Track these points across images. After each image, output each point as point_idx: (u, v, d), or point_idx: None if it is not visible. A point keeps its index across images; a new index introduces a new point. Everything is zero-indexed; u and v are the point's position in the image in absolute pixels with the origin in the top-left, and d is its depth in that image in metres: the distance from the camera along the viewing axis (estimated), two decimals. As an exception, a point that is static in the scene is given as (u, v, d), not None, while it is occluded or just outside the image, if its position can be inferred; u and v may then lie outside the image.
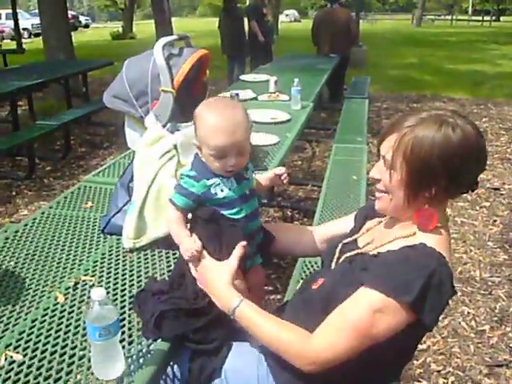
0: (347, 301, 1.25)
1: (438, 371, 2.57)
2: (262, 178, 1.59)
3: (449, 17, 31.72)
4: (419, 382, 2.50)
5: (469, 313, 3.01)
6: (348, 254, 1.42)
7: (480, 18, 28.64)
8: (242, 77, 5.25)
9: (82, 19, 38.20)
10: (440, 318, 2.86)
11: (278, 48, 9.44)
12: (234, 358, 1.44)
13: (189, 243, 1.39)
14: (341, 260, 1.44)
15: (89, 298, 1.54)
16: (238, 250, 1.39)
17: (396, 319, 1.19)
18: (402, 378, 2.51)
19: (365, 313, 1.20)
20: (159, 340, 1.36)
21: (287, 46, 13.09)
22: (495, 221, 4.24)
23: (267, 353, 1.40)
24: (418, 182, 1.26)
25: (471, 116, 7.65)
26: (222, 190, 1.40)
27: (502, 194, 4.77)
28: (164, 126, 2.00)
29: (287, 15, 43.27)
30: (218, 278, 1.37)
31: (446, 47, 16.77)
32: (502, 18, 31.13)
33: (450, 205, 4.50)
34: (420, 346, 2.72)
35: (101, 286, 1.61)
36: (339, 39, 7.56)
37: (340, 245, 1.50)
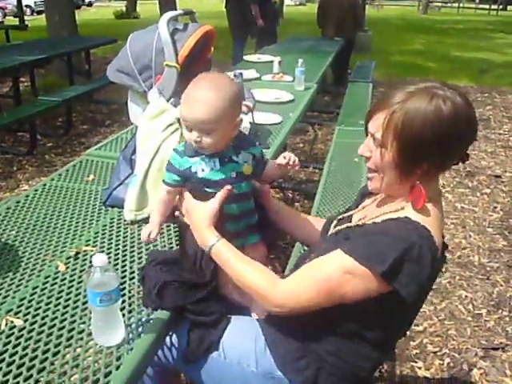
0: (321, 257, 1.27)
1: (434, 352, 2.59)
2: (271, 168, 1.54)
3: (455, 4, 31.39)
4: (415, 362, 2.52)
5: (466, 296, 3.03)
6: (338, 228, 1.43)
7: (487, 7, 28.34)
8: (246, 57, 5.22)
9: (86, -3, 37.82)
10: (437, 301, 2.93)
11: (282, 31, 9.36)
12: (232, 331, 1.45)
13: (149, 228, 1.48)
14: (332, 233, 1.45)
15: (90, 267, 1.54)
16: (221, 193, 1.38)
17: (365, 285, 1.19)
18: (398, 358, 2.54)
19: (335, 271, 1.21)
20: (159, 310, 1.37)
21: (292, 29, 12.98)
22: (495, 207, 4.24)
23: (265, 328, 1.42)
24: (411, 160, 1.24)
25: (475, 104, 7.61)
26: (202, 170, 1.38)
27: (503, 182, 4.77)
28: (167, 101, 1.99)
29: (292, -2, 42.82)
30: (200, 218, 1.39)
31: (453, 35, 16.62)
32: (509, 7, 30.82)
33: (452, 190, 4.51)
34: (416, 328, 2.74)
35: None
36: (345, 23, 7.50)
37: (335, 221, 1.51)
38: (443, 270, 3.30)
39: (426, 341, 2.66)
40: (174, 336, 1.48)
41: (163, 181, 1.44)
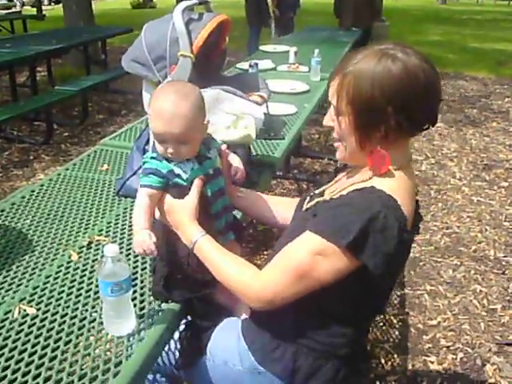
0: (291, 243, 1.25)
1: (447, 347, 2.57)
2: (227, 163, 1.52)
3: (475, -6, 30.93)
4: (428, 356, 2.51)
5: (481, 291, 3.00)
6: (309, 204, 1.41)
7: (508, -3, 27.92)
8: (262, 47, 5.20)
9: (103, -13, 37.91)
10: (451, 295, 2.90)
11: (299, 21, 9.28)
12: (217, 334, 1.46)
13: (143, 236, 1.26)
14: (303, 210, 1.43)
15: (102, 257, 1.55)
16: (196, 184, 1.35)
17: (336, 263, 1.18)
18: (411, 352, 2.52)
19: (305, 255, 1.20)
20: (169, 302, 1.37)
21: (309, 19, 12.89)
22: (513, 201, 4.19)
23: (243, 325, 1.44)
24: (366, 123, 1.21)
25: (493, 95, 7.52)
26: (184, 172, 1.36)
27: (521, 175, 4.71)
28: (181, 91, 1.98)
29: (310, -12, 42.56)
30: (181, 215, 1.34)
31: (471, 25, 16.37)
32: (530, -2, 30.32)
33: (468, 183, 4.46)
34: (430, 322, 2.73)
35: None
36: (362, 12, 7.41)
37: (308, 197, 1.47)
38: (458, 262, 3.28)
39: (440, 335, 2.65)
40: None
41: (144, 185, 1.35)
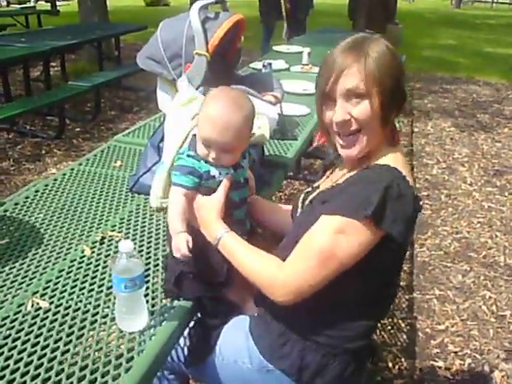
0: (309, 231, 1.26)
1: (455, 352, 2.56)
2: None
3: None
4: (435, 361, 2.50)
5: (490, 297, 2.99)
6: (310, 197, 1.43)
7: (522, 2, 27.74)
8: (276, 47, 5.19)
9: (117, -16, 38.03)
10: (460, 301, 2.89)
11: (312, 22, 9.27)
12: (226, 332, 1.47)
13: (182, 241, 1.26)
14: (305, 206, 1.45)
15: (115, 252, 1.56)
16: (224, 184, 1.38)
17: (360, 237, 1.19)
18: (418, 357, 2.52)
19: (327, 237, 1.21)
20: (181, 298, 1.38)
21: (322, 20, 12.86)
22: (524, 208, 4.17)
23: (251, 323, 1.44)
24: (391, 101, 1.28)
25: (506, 101, 7.48)
26: (220, 174, 1.38)
27: (532, 182, 4.68)
28: (196, 89, 1.99)
29: (323, -11, 42.52)
30: (207, 213, 1.38)
31: (485, 30, 16.27)
32: (545, 3, 30.10)
33: (479, 189, 4.44)
34: (438, 327, 2.72)
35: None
36: (376, 15, 7.40)
37: (302, 195, 1.50)
38: (467, 267, 3.27)
39: (448, 340, 2.64)
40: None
41: (179, 185, 1.36)
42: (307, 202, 1.44)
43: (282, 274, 1.26)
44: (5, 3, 18.21)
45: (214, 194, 1.38)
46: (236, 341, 1.45)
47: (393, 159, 1.30)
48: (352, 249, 1.20)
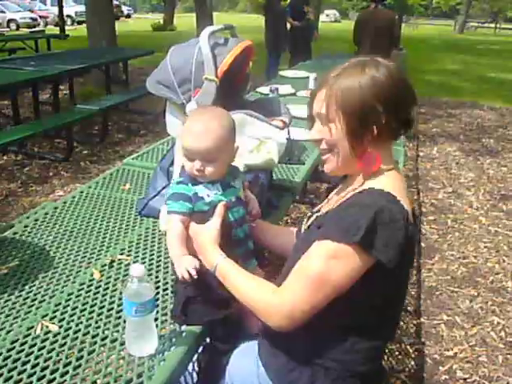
0: (303, 257, 1.26)
1: (464, 379, 2.53)
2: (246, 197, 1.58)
3: (492, 25, 31.05)
4: (444, 388, 2.47)
5: (499, 323, 2.96)
6: (309, 222, 1.44)
7: (525, 28, 28.06)
8: (282, 72, 5.25)
9: (125, 9, 38.65)
10: (468, 326, 2.87)
11: (317, 47, 9.39)
12: (235, 358, 1.47)
13: (189, 262, 1.31)
14: (304, 230, 1.46)
15: (124, 276, 1.56)
16: (219, 210, 1.39)
17: (351, 263, 1.19)
18: (426, 383, 2.48)
19: (319, 263, 1.21)
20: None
21: (326, 45, 13.02)
22: (531, 233, 4.15)
23: (260, 348, 1.43)
24: (358, 124, 1.26)
25: (510, 126, 7.51)
26: (208, 195, 1.41)
27: (539, 207, 4.67)
28: (205, 114, 2.01)
29: (328, 15, 43.04)
30: (203, 240, 1.38)
31: (489, 55, 16.44)
32: (548, 29, 30.42)
33: (485, 213, 4.43)
34: (446, 353, 2.69)
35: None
36: (381, 40, 7.47)
37: (305, 219, 1.51)
38: (475, 293, 3.24)
39: (456, 366, 2.61)
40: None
41: (173, 212, 1.40)
42: (306, 226, 1.46)
43: (276, 300, 1.26)
44: (14, 27, 18.51)
45: (209, 222, 1.39)
46: (245, 366, 1.44)
47: (389, 183, 1.29)
48: (345, 274, 1.20)
